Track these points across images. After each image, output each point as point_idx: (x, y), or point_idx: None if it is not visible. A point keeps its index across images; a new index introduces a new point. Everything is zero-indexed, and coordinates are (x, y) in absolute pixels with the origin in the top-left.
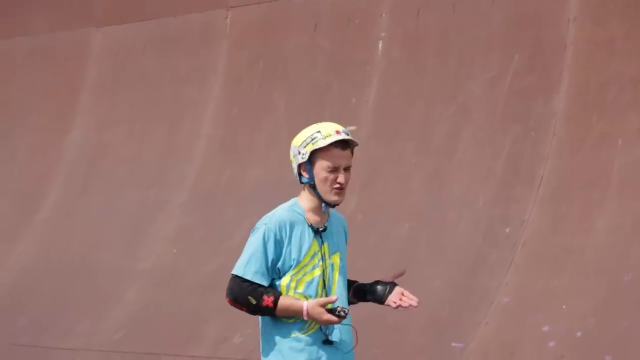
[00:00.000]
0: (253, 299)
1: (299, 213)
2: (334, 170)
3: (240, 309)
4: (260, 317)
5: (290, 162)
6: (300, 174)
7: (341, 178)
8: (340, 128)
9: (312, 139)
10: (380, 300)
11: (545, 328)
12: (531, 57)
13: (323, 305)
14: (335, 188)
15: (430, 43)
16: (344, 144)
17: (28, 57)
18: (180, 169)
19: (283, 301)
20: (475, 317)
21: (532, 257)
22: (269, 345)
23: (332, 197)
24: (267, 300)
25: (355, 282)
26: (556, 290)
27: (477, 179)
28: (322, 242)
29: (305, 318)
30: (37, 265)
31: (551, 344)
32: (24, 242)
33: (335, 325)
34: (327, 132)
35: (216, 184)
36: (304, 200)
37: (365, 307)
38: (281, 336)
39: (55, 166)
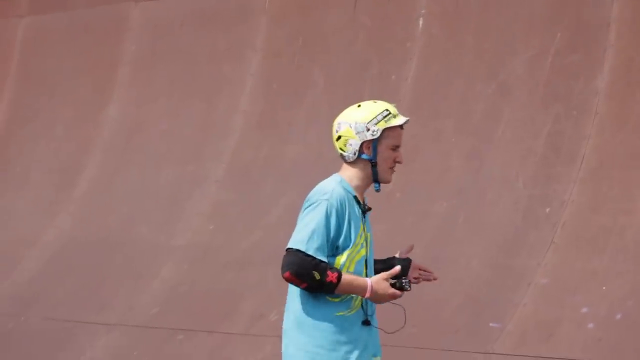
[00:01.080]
0: (317, 274)
1: (349, 191)
2: (396, 149)
3: (299, 285)
4: (295, 295)
5: (333, 139)
6: (360, 151)
7: (401, 157)
8: (396, 109)
9: (384, 117)
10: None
11: (584, 310)
12: (573, 35)
13: (387, 280)
14: (393, 167)
15: (471, 20)
16: (402, 125)
17: (66, 32)
18: (218, 145)
19: (346, 277)
20: (513, 297)
21: (571, 238)
22: (308, 324)
23: (388, 176)
24: (332, 276)
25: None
26: (596, 271)
27: (517, 158)
28: (365, 222)
29: (367, 295)
30: (74, 239)
31: (590, 325)
32: (62, 217)
33: (373, 305)
34: (394, 111)
35: (254, 160)
36: (353, 179)
37: None
38: (324, 314)
39: (93, 141)
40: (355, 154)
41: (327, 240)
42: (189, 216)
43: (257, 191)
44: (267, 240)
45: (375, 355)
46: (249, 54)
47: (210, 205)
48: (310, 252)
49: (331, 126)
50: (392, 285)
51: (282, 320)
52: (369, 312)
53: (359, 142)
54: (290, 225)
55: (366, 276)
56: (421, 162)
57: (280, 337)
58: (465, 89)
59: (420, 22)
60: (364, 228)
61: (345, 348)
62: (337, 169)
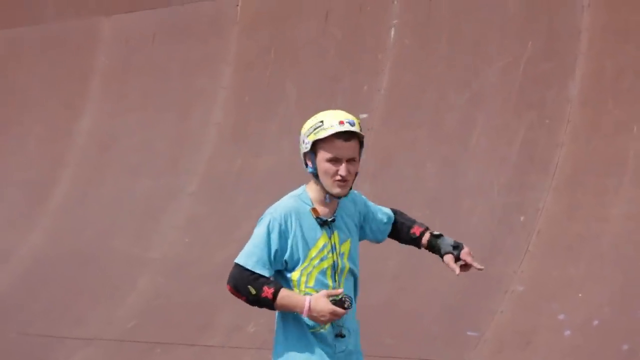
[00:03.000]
0: (253, 289)
1: (306, 203)
2: (336, 161)
3: (240, 298)
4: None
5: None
6: (306, 163)
7: (342, 170)
8: (345, 118)
9: (315, 129)
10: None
11: (561, 317)
12: (546, 43)
13: (327, 297)
14: (337, 180)
15: (443, 30)
16: (347, 135)
17: (38, 46)
18: (191, 158)
19: (283, 293)
20: (490, 305)
21: (547, 245)
22: (285, 337)
23: (334, 189)
24: (267, 291)
25: (423, 228)
26: (572, 278)
27: (492, 167)
28: (332, 232)
29: (305, 314)
30: (49, 253)
31: (567, 332)
32: (36, 231)
33: (347, 319)
34: (330, 122)
35: (227, 172)
36: (312, 190)
37: (379, 295)
38: (299, 328)
39: (66, 154)
40: (305, 166)
41: (269, 255)
42: (164, 229)
43: (231, 203)
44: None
45: None
46: (221, 66)
47: (184, 218)
48: (249, 267)
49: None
50: (333, 303)
51: (259, 332)
52: (341, 324)
53: (302, 154)
54: None
55: (339, 286)
56: (395, 171)
57: (257, 348)
58: (438, 98)
59: (392, 33)
60: (330, 238)
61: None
62: (309, 181)
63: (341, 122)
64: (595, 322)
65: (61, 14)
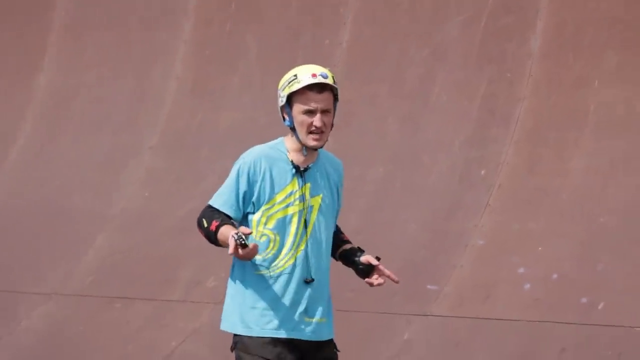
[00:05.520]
0: (206, 221)
1: (281, 151)
2: (310, 113)
3: (201, 234)
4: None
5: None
6: (283, 117)
7: (317, 121)
8: (318, 71)
9: (289, 82)
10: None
11: (521, 270)
12: None
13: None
14: (312, 132)
15: None
16: (320, 87)
17: None
18: (152, 112)
19: (223, 228)
20: (451, 259)
21: (507, 199)
22: (234, 277)
23: (309, 141)
24: (214, 224)
25: (345, 243)
26: (532, 232)
27: (452, 121)
28: (304, 182)
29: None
30: (7, 209)
31: (526, 286)
32: None
33: (307, 266)
34: (303, 75)
35: (188, 127)
36: (289, 141)
37: None
38: (244, 273)
39: (24, 109)
40: (283, 119)
41: (237, 196)
42: (124, 184)
43: (193, 158)
44: (203, 207)
45: (310, 317)
46: (182, 20)
47: (145, 173)
48: (216, 205)
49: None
50: (238, 238)
51: (219, 287)
52: (310, 271)
53: (279, 108)
54: None
55: (302, 236)
56: (356, 127)
57: (216, 303)
58: (399, 52)
59: None
60: (300, 188)
61: (261, 307)
62: (271, 135)
63: (314, 75)
64: (555, 276)
65: None
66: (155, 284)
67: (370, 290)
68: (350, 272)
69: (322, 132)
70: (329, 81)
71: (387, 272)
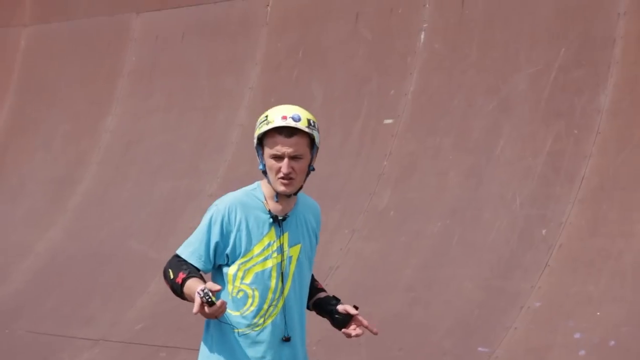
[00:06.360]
0: (172, 273)
1: (257, 198)
2: (278, 158)
3: (167, 286)
4: None
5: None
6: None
7: (284, 167)
8: (290, 113)
9: (260, 123)
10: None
11: (577, 335)
12: (578, 51)
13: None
14: (280, 178)
15: (474, 35)
16: (290, 131)
17: (68, 42)
18: (214, 160)
19: (190, 282)
20: (505, 321)
21: (568, 261)
22: (208, 336)
23: (278, 187)
24: (180, 277)
25: (320, 291)
26: (591, 296)
27: (516, 177)
28: (282, 232)
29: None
30: (66, 251)
31: (582, 352)
32: (55, 228)
33: (292, 323)
34: (273, 116)
35: (248, 174)
36: (265, 187)
37: (391, 307)
38: (223, 332)
39: (90, 153)
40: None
41: (208, 247)
42: (182, 231)
43: None
44: None
45: None
46: (249, 67)
47: None
48: (183, 255)
49: (323, 142)
50: (204, 296)
51: None
52: (285, 328)
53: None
54: None
55: (282, 290)
56: (418, 179)
57: None
58: (465, 104)
59: (422, 36)
60: (278, 238)
61: None
62: (333, 185)
63: (284, 117)
64: (612, 343)
65: (92, 10)
66: (201, 334)
67: (420, 350)
68: (401, 330)
69: (291, 178)
70: (301, 125)
71: (365, 322)
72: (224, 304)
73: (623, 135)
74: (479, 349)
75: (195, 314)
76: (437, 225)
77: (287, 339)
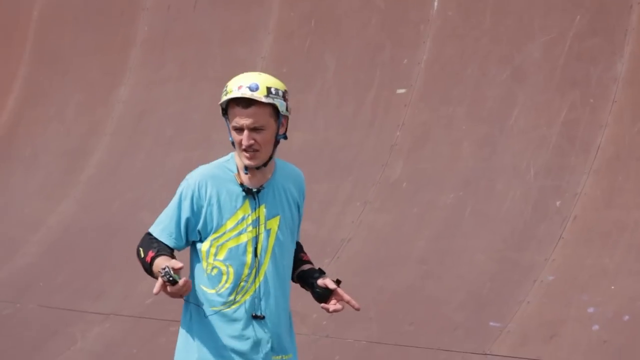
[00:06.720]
0: (143, 251)
1: (229, 170)
2: (238, 130)
3: (140, 263)
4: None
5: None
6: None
7: (245, 139)
8: (246, 82)
9: (222, 93)
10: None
11: (591, 310)
12: (594, 18)
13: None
14: (243, 150)
15: (488, 2)
16: (246, 102)
17: (81, 12)
18: (226, 130)
19: (158, 260)
20: (517, 294)
21: (582, 233)
22: (185, 316)
23: (244, 160)
24: (149, 255)
25: (305, 263)
26: (606, 269)
27: (530, 147)
28: (258, 205)
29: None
30: (78, 224)
31: (595, 327)
32: (67, 201)
33: (269, 299)
34: (231, 86)
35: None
36: (237, 157)
37: (403, 280)
38: (202, 308)
39: (103, 124)
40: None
41: (179, 223)
42: None
43: None
44: None
45: (277, 354)
46: (262, 35)
47: None
48: (155, 234)
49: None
50: (165, 274)
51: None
52: (261, 305)
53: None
54: None
55: (257, 265)
56: (431, 149)
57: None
58: (479, 73)
59: (435, 4)
60: (253, 211)
61: (220, 347)
62: (345, 156)
63: (239, 87)
64: (626, 317)
65: None
66: None
67: (431, 323)
68: (412, 303)
69: (256, 150)
70: (258, 94)
71: (346, 297)
72: (187, 283)
73: (639, 104)
74: (491, 323)
75: (156, 293)
76: (449, 197)
77: (258, 317)
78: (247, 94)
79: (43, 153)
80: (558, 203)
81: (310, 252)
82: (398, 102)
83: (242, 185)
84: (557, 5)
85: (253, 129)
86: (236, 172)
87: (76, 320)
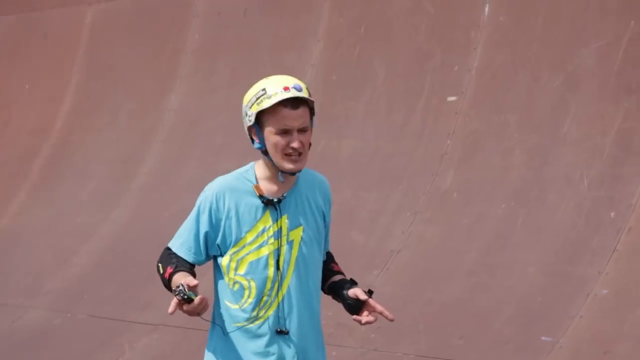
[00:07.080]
0: (162, 267)
1: (248, 180)
2: (285, 133)
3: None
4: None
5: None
6: (252, 139)
7: (295, 142)
8: (291, 83)
9: (257, 99)
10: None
11: None
12: None
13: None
14: (287, 154)
15: (540, 7)
16: (295, 102)
17: (133, 20)
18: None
19: (176, 276)
20: (570, 309)
21: (637, 245)
22: (213, 331)
23: (286, 165)
24: (168, 271)
25: (335, 274)
26: None
27: (583, 157)
28: (280, 215)
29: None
30: (128, 233)
31: None
32: (118, 210)
33: (293, 313)
34: (273, 90)
35: (310, 155)
36: (260, 167)
37: (452, 292)
38: (226, 321)
39: (154, 132)
40: (251, 141)
41: (197, 238)
42: None
43: None
44: None
45: None
46: (311, 43)
47: None
48: (174, 249)
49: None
50: (180, 292)
51: (328, 318)
52: (282, 320)
53: (246, 129)
54: (345, 222)
55: (279, 279)
56: (481, 159)
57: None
58: (531, 80)
59: (487, 10)
60: (274, 222)
61: None
62: (394, 165)
63: (286, 88)
64: None
65: None
66: None
67: (480, 337)
68: (462, 316)
69: (300, 153)
70: (304, 94)
71: (379, 307)
72: (203, 300)
73: None
74: (542, 338)
75: (171, 313)
76: (500, 207)
77: (282, 332)
78: (296, 94)
79: (95, 161)
80: (612, 214)
81: (358, 262)
82: (448, 110)
83: (261, 196)
84: (611, 10)
85: (300, 131)
86: (255, 182)
87: (124, 331)
